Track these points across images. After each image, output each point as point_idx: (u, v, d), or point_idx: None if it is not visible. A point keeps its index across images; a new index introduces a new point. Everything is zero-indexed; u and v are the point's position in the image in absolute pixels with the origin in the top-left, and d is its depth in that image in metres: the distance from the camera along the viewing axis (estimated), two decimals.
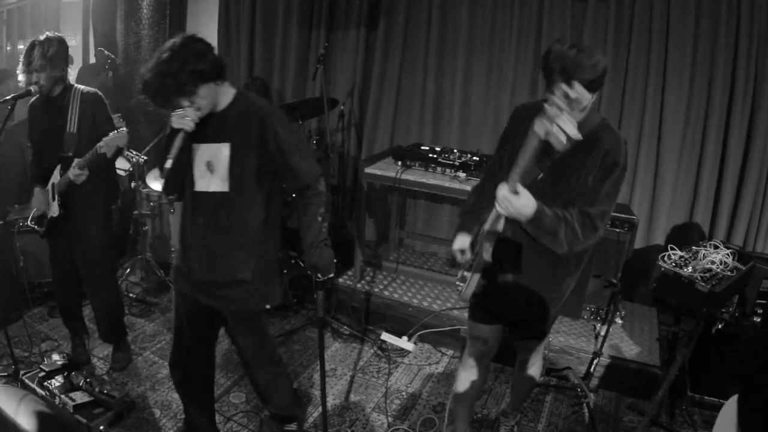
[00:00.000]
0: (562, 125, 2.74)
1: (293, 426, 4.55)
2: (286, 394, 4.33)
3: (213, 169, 3.56)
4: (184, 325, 3.90)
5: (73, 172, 4.46)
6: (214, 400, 4.43)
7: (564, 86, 2.79)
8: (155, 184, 6.35)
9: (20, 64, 4.42)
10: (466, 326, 4.08)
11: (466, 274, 3.69)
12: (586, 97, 2.96)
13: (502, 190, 3.06)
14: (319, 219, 3.68)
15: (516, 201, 3.04)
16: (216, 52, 3.49)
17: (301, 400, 4.87)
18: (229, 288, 3.73)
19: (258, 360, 4.11)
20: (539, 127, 2.81)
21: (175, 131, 3.41)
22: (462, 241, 3.69)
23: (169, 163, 3.37)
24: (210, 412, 4.34)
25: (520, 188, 3.04)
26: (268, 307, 3.87)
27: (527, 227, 3.27)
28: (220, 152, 3.54)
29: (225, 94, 3.56)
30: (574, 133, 2.76)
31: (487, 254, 3.43)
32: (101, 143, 4.31)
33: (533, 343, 4.04)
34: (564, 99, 2.79)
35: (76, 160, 4.47)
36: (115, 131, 4.34)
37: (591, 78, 3.05)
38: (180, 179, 3.64)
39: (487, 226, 3.38)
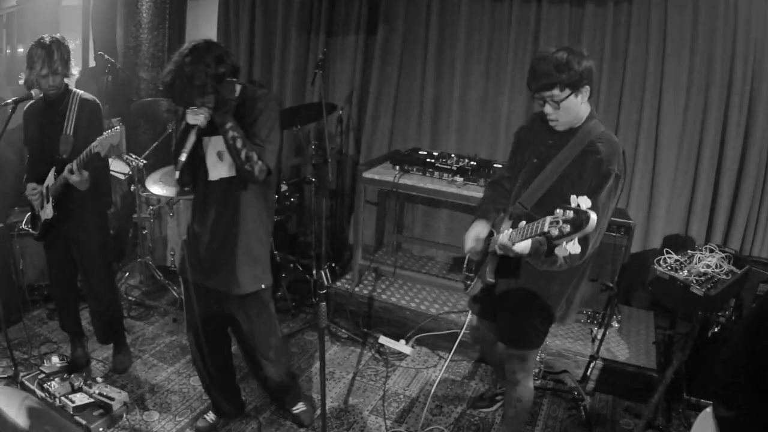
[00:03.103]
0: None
1: (301, 405, 4.78)
2: (285, 372, 4.61)
3: (223, 157, 3.89)
4: (196, 311, 4.22)
5: (72, 178, 4.45)
6: (234, 383, 4.79)
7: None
8: (155, 187, 6.37)
9: (36, 67, 4.42)
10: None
11: (470, 275, 4.03)
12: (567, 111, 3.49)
13: (503, 240, 3.44)
14: (245, 150, 3.76)
15: (516, 248, 3.36)
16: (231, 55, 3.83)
17: (296, 378, 4.99)
18: (231, 270, 4.06)
19: (261, 336, 4.33)
20: None
21: (189, 126, 3.70)
22: (478, 229, 3.89)
23: (183, 157, 3.67)
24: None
25: (518, 244, 3.36)
26: (263, 286, 4.18)
27: (527, 259, 3.54)
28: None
29: (233, 91, 3.85)
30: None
31: (490, 276, 3.76)
32: (95, 142, 4.34)
33: (514, 347, 3.99)
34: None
35: (73, 162, 4.46)
36: (109, 130, 4.38)
37: (566, 80, 3.37)
38: (194, 171, 4.01)
39: (491, 249, 3.71)
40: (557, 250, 2.98)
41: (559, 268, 3.50)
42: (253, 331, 4.29)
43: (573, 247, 2.89)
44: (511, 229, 3.45)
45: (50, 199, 4.71)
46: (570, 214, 2.82)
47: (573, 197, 2.86)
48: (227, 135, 3.71)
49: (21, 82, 4.53)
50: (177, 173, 3.77)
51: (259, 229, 4.14)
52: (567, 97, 3.42)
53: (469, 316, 4.41)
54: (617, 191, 3.50)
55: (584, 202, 2.83)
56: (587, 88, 3.48)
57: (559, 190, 3.51)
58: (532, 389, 4.15)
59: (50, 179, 4.69)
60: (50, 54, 4.39)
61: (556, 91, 3.40)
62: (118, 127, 4.41)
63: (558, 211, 2.88)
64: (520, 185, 3.78)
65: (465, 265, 4.14)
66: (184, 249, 4.23)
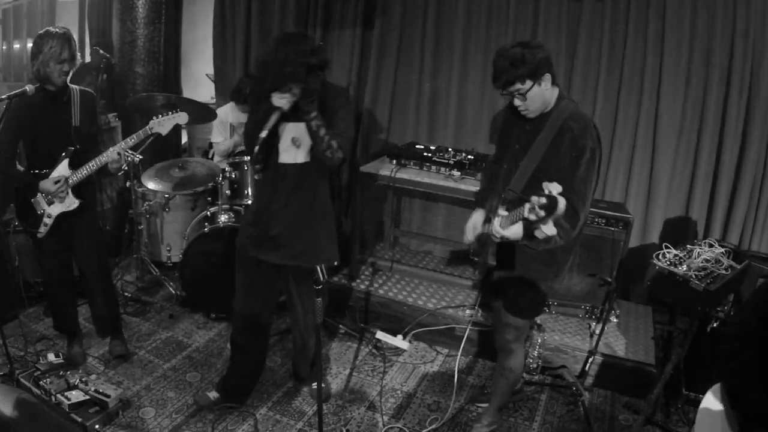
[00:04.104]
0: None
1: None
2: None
3: (299, 143, 4.20)
4: (249, 286, 4.61)
5: (119, 162, 4.65)
6: (257, 372, 5.02)
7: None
8: (151, 183, 6.34)
9: (53, 52, 4.45)
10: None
11: (476, 258, 4.37)
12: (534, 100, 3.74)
13: (495, 227, 3.64)
14: (328, 138, 4.10)
15: (507, 233, 3.57)
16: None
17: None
18: (305, 246, 4.40)
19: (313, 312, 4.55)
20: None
21: (273, 108, 3.98)
22: (476, 218, 4.16)
23: (264, 134, 3.98)
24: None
25: (509, 229, 3.57)
26: (336, 263, 4.61)
27: (524, 242, 3.76)
28: (304, 129, 4.13)
29: (318, 84, 4.06)
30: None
31: (491, 259, 4.13)
32: (151, 123, 4.61)
33: (512, 308, 4.20)
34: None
35: (118, 145, 4.61)
36: (170, 112, 4.67)
37: (525, 73, 3.63)
38: (266, 152, 4.24)
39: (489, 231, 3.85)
40: (536, 233, 3.25)
41: (555, 245, 3.70)
42: (309, 306, 4.60)
43: (549, 228, 3.19)
44: (500, 216, 3.67)
45: (69, 191, 4.72)
46: (543, 200, 3.04)
47: (545, 184, 3.09)
48: (312, 122, 4.01)
49: (33, 69, 4.53)
50: (256, 148, 4.03)
51: (330, 209, 4.54)
52: (530, 88, 3.68)
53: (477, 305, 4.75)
54: (595, 163, 3.74)
55: (554, 188, 3.06)
56: (548, 75, 3.71)
57: (542, 172, 3.72)
58: (523, 359, 4.46)
59: (64, 171, 4.67)
60: (68, 40, 4.50)
61: (518, 85, 3.67)
62: (185, 114, 4.73)
63: (534, 198, 3.08)
64: (507, 170, 4.02)
65: (471, 252, 4.42)
66: (248, 227, 4.53)
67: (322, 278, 3.52)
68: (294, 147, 4.21)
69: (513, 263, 4.05)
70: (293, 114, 4.06)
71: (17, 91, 4.40)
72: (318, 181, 4.37)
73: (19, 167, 4.78)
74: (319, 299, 3.55)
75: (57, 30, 4.50)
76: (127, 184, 6.44)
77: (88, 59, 8.32)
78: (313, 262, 4.16)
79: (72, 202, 4.75)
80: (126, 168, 5.91)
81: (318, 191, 4.39)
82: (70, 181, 4.67)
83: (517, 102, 3.78)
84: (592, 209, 5.46)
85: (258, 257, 4.44)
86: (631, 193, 6.28)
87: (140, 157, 5.76)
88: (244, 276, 4.60)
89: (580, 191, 3.69)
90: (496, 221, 3.68)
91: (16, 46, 9.29)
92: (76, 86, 4.77)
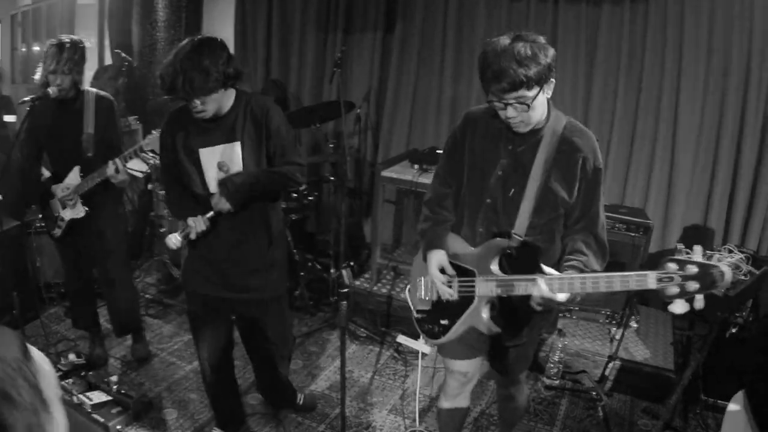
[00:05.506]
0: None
1: (300, 395, 4.89)
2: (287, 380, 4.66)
3: (227, 169, 3.67)
4: (203, 324, 4.13)
5: (118, 177, 4.53)
6: (240, 398, 4.67)
7: None
8: None
9: (46, 63, 4.43)
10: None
11: (443, 321, 3.42)
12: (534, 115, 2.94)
13: (543, 290, 2.82)
14: (277, 177, 3.79)
15: (557, 298, 2.84)
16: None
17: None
18: (255, 277, 3.93)
19: (281, 335, 4.28)
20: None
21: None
22: (438, 258, 3.39)
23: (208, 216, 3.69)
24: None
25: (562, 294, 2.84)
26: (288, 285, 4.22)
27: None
28: (233, 151, 3.66)
29: (229, 98, 3.66)
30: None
31: (493, 325, 3.19)
32: (146, 141, 4.41)
33: (520, 369, 3.71)
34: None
35: (116, 159, 4.48)
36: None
37: (535, 76, 2.78)
38: (195, 194, 3.81)
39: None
40: (672, 307, 2.46)
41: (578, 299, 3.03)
42: (276, 331, 4.20)
43: (700, 302, 2.38)
44: (547, 276, 2.87)
45: (78, 198, 4.73)
46: (693, 269, 2.34)
47: (680, 246, 2.33)
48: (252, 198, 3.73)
49: (36, 77, 4.55)
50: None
51: (277, 231, 4.01)
52: (536, 95, 2.84)
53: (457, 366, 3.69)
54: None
55: (698, 252, 2.37)
56: (552, 81, 2.91)
57: (548, 204, 3.09)
58: (527, 392, 4.01)
59: (75, 178, 4.69)
60: (60, 52, 4.40)
61: (523, 91, 2.80)
62: None
63: (670, 265, 2.41)
64: (490, 205, 3.22)
65: (415, 313, 3.62)
66: (196, 269, 3.98)
67: (347, 282, 3.50)
68: (222, 173, 3.68)
69: (516, 324, 3.33)
70: (208, 138, 3.66)
71: (40, 93, 4.44)
72: (262, 205, 3.86)
73: (46, 172, 4.82)
74: (344, 302, 3.50)
75: (60, 41, 4.44)
76: (149, 186, 6.48)
77: (108, 62, 8.38)
78: (273, 291, 4.05)
79: (80, 210, 4.77)
80: (148, 171, 5.96)
81: (258, 214, 3.86)
82: (78, 191, 4.71)
83: (511, 113, 2.89)
84: (612, 215, 5.49)
85: (215, 296, 3.97)
86: (650, 199, 6.28)
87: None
88: (196, 313, 4.17)
89: (602, 222, 3.14)
90: (542, 282, 2.83)
91: (36, 48, 9.36)
92: (94, 90, 4.74)
